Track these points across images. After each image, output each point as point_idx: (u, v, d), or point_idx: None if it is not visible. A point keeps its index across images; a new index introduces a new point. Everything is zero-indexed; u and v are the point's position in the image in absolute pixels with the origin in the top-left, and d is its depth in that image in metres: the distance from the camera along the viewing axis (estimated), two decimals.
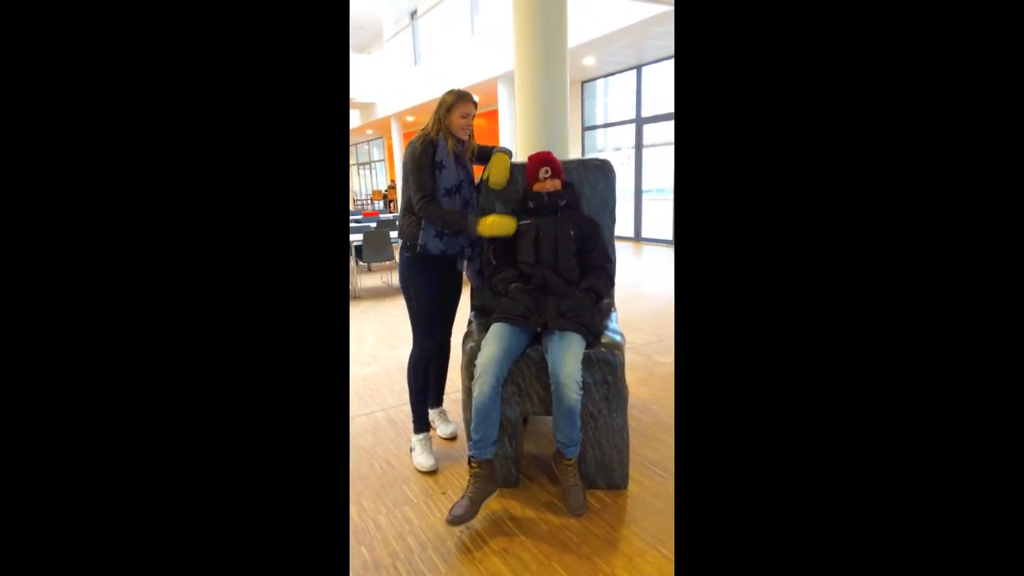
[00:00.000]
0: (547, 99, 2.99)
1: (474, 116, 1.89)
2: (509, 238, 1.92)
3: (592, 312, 1.77)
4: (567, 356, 1.60)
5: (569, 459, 1.70)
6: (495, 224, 1.82)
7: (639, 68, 7.78)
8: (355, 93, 11.69)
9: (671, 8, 5.16)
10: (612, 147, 8.87)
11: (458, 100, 1.86)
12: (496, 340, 1.67)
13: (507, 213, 2.02)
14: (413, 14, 11.12)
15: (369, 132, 16.09)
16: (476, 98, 1.89)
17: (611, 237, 2.11)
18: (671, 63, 7.23)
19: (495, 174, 2.00)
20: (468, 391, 1.76)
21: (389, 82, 11.57)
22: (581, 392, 1.58)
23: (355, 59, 11.91)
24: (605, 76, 8.54)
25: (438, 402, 2.26)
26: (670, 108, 7.35)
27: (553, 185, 1.92)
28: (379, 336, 3.77)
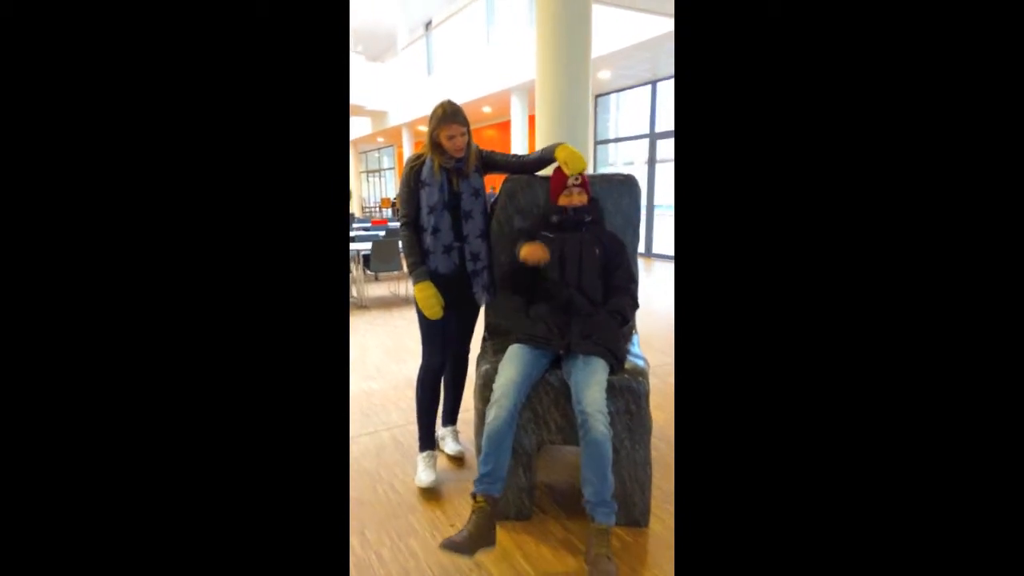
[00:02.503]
0: (570, 110, 2.92)
1: (464, 135, 1.78)
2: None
3: (618, 336, 1.66)
4: (592, 384, 1.49)
5: (601, 524, 1.42)
6: (423, 300, 1.81)
7: (654, 83, 7.73)
8: (367, 101, 11.71)
9: None
10: (623, 161, 8.81)
11: (441, 122, 1.75)
12: (514, 363, 1.57)
13: (524, 230, 1.92)
14: (428, 24, 11.17)
15: (380, 140, 16.12)
16: (464, 116, 1.79)
17: (635, 256, 2.01)
18: None
19: (571, 161, 1.80)
20: (481, 415, 1.65)
21: (402, 91, 11.59)
22: (609, 426, 1.46)
23: (368, 67, 11.94)
24: (618, 91, 8.50)
25: (451, 420, 2.16)
26: None
27: (580, 199, 1.83)
28: (385, 349, 3.67)
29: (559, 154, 1.82)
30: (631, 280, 1.83)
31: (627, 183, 2.00)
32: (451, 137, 1.75)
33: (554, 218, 1.83)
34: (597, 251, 1.78)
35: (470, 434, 2.24)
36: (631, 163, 8.57)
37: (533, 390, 1.61)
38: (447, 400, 2.10)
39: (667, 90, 7.62)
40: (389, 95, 11.96)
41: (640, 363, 1.72)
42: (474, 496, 1.50)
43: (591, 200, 1.88)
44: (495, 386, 1.53)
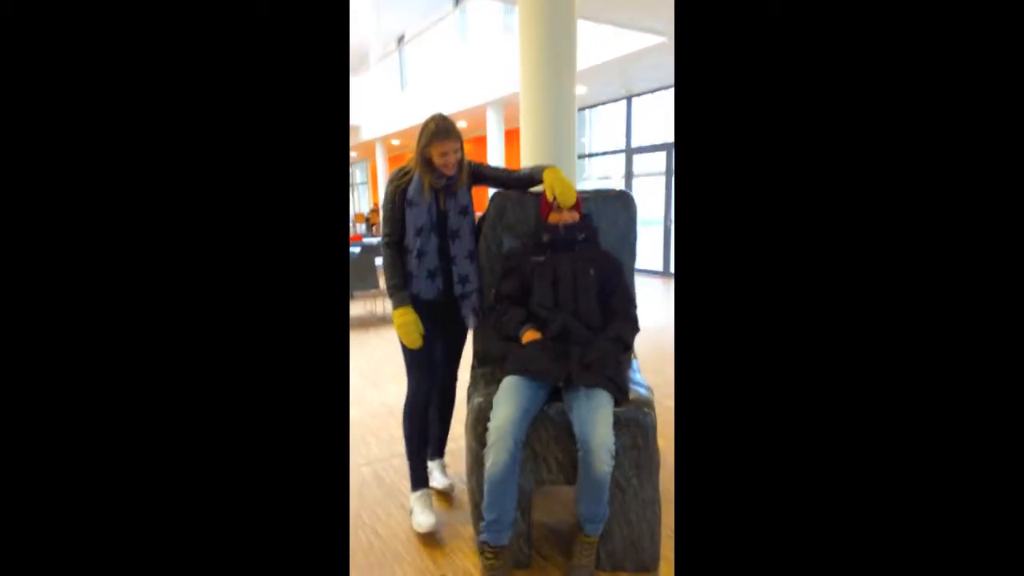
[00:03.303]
0: (555, 123, 2.82)
1: (458, 152, 1.65)
2: (521, 277, 1.69)
3: (620, 364, 1.54)
4: (598, 420, 1.37)
5: (589, 536, 1.46)
6: (401, 328, 1.67)
7: (629, 99, 7.78)
8: None
9: (665, 40, 5.12)
10: (598, 176, 8.83)
11: (434, 139, 1.61)
12: (511, 398, 1.43)
13: (513, 253, 1.80)
14: (400, 39, 11.08)
15: (353, 155, 15.89)
16: (458, 131, 1.66)
17: (632, 276, 1.91)
18: (661, 94, 7.24)
19: (561, 194, 1.67)
20: (475, 455, 1.50)
21: (375, 106, 11.44)
22: (613, 462, 1.34)
23: None
24: (592, 107, 8.53)
25: (439, 453, 2.00)
26: (659, 139, 7.34)
27: (571, 217, 1.72)
28: (363, 373, 3.48)
29: (547, 176, 1.70)
30: (630, 302, 1.72)
31: (622, 199, 1.90)
32: (444, 154, 1.62)
33: (544, 237, 1.72)
34: (592, 272, 1.67)
35: (458, 467, 2.08)
36: (607, 177, 8.59)
37: (532, 426, 1.48)
38: (433, 432, 1.94)
39: (642, 106, 7.68)
40: (362, 110, 11.80)
41: (644, 392, 1.60)
42: (482, 550, 1.36)
43: (583, 217, 1.77)
44: (491, 426, 1.39)
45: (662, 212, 7.21)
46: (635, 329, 1.68)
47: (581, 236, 1.72)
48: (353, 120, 11.93)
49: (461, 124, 9.93)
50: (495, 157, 8.16)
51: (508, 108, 8.02)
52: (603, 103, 8.30)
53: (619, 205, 1.90)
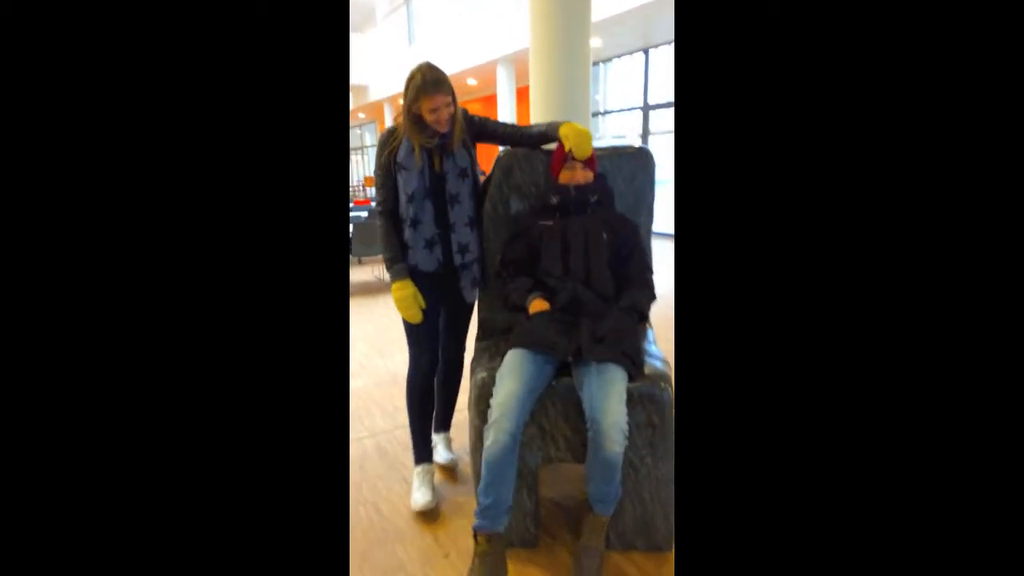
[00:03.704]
0: (568, 80, 2.63)
1: (450, 107, 1.47)
2: (529, 243, 1.56)
3: (635, 336, 1.42)
4: (610, 397, 1.26)
5: (599, 515, 1.37)
6: (400, 302, 1.56)
7: (646, 51, 7.39)
8: None
9: None
10: (614, 135, 8.51)
11: (421, 92, 1.42)
12: (515, 374, 1.32)
13: (520, 216, 1.67)
14: None
15: (361, 116, 15.56)
16: (449, 82, 1.47)
17: (649, 240, 1.77)
18: None
19: (576, 144, 1.51)
20: (478, 432, 1.42)
21: (382, 64, 11.08)
22: (626, 442, 1.24)
23: None
24: (606, 60, 8.13)
25: (444, 426, 1.92)
26: None
27: (584, 176, 1.57)
28: (369, 340, 3.41)
29: (564, 130, 1.54)
30: (646, 269, 1.59)
31: (639, 157, 1.74)
32: (434, 110, 1.45)
33: (554, 199, 1.57)
34: (605, 236, 1.53)
35: (463, 440, 2.01)
36: (623, 136, 8.27)
37: (538, 403, 1.38)
38: (439, 406, 1.86)
39: (660, 58, 7.29)
40: (369, 68, 11.43)
41: (660, 366, 1.49)
42: (475, 535, 1.28)
43: (597, 177, 1.62)
44: (493, 402, 1.29)
45: None
46: (652, 297, 1.55)
47: (594, 198, 1.57)
48: (361, 80, 11.58)
49: (471, 81, 9.59)
50: (506, 116, 7.88)
51: (519, 65, 7.68)
52: (619, 56, 7.90)
53: (637, 163, 1.74)
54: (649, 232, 1.77)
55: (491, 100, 9.75)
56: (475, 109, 10.87)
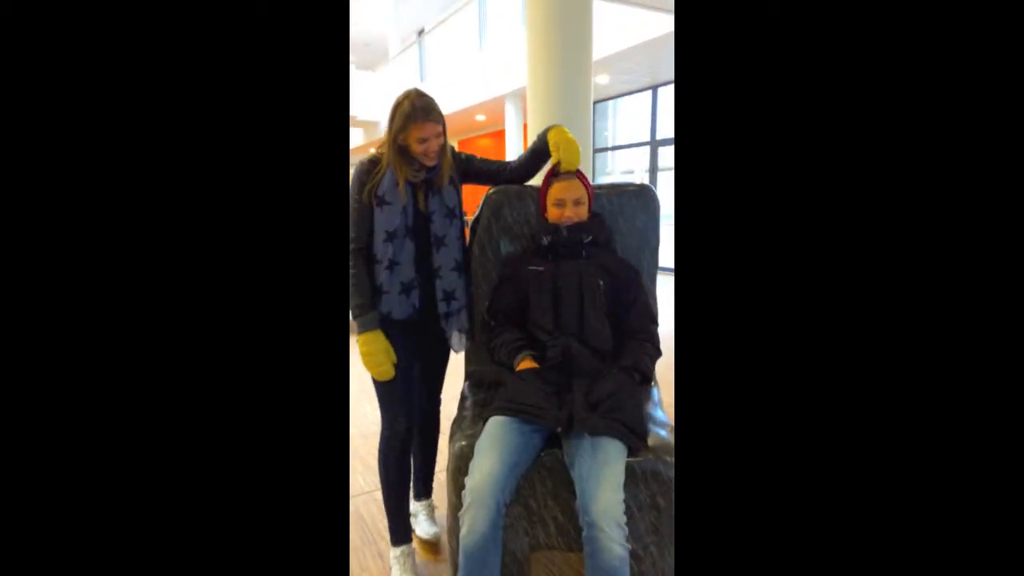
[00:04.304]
0: (568, 117, 2.51)
1: (440, 137, 1.33)
2: (517, 290, 1.40)
3: (637, 402, 1.23)
4: (604, 480, 1.06)
5: None
6: (367, 357, 1.39)
7: (655, 88, 7.39)
8: (359, 111, 11.34)
9: None
10: (622, 170, 8.45)
11: (410, 120, 1.29)
12: (496, 447, 1.14)
13: (514, 255, 1.51)
14: (420, 32, 10.87)
15: (372, 151, 15.78)
16: (439, 111, 1.34)
17: (653, 288, 1.59)
18: None
19: (565, 151, 1.40)
20: (455, 511, 1.22)
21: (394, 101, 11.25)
22: (627, 544, 1.03)
23: (360, 76, 11.60)
24: (614, 97, 8.14)
25: (425, 492, 1.72)
26: None
27: (576, 214, 1.40)
28: (358, 381, 3.22)
29: (553, 136, 1.40)
30: (650, 320, 1.41)
31: (642, 195, 1.59)
32: (423, 140, 1.31)
33: (544, 240, 1.41)
34: (602, 283, 1.36)
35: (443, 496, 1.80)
36: (631, 172, 8.21)
37: (524, 478, 1.18)
38: (416, 468, 1.67)
39: (668, 95, 7.27)
40: (382, 105, 11.61)
41: (666, 435, 1.29)
42: None
43: (593, 216, 1.45)
44: (469, 483, 1.10)
45: None
46: (657, 354, 1.37)
47: (588, 238, 1.40)
48: (373, 116, 11.74)
49: (479, 117, 9.66)
50: (513, 151, 7.88)
51: (527, 100, 7.72)
52: (628, 93, 7.91)
53: (638, 202, 1.58)
54: (653, 279, 1.60)
55: (500, 135, 9.79)
56: (484, 144, 10.97)
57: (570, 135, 1.41)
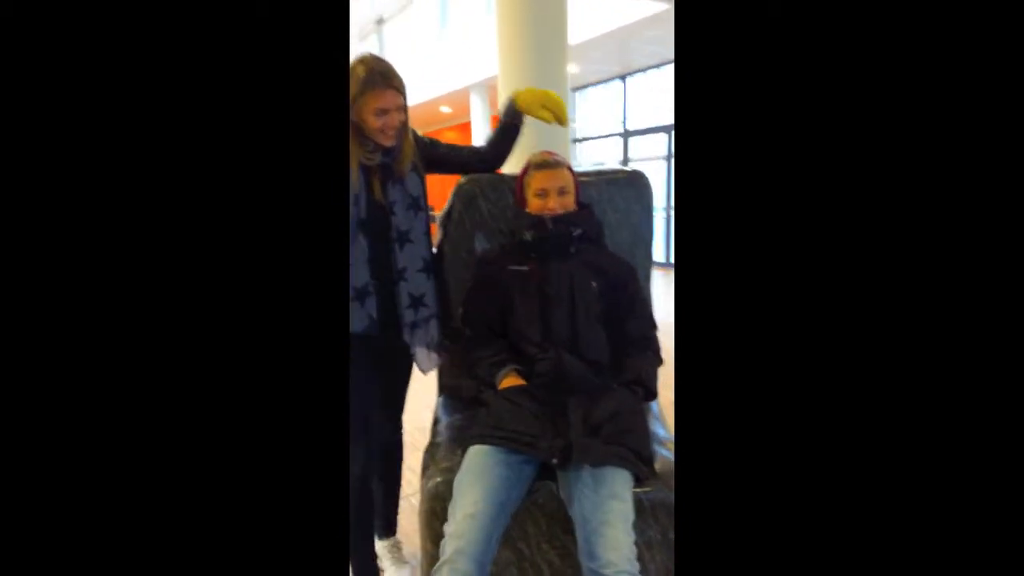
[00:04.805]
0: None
1: (401, 111, 1.12)
2: (497, 294, 1.21)
3: (643, 423, 1.06)
4: (611, 519, 0.88)
5: None
6: None
7: (624, 77, 7.27)
8: None
9: (667, 6, 4.61)
10: (592, 163, 8.35)
11: (366, 88, 1.08)
12: (479, 485, 0.94)
13: (492, 253, 1.31)
14: (379, 21, 10.49)
15: None
16: (400, 79, 1.13)
17: (648, 285, 1.42)
18: (661, 71, 6.72)
19: (556, 107, 1.28)
20: (432, 560, 1.02)
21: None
22: None
23: None
24: (583, 87, 8.01)
25: (388, 530, 1.51)
26: (658, 120, 6.85)
27: (561, 204, 1.21)
28: None
29: (521, 101, 1.25)
30: (650, 325, 1.24)
31: (634, 182, 1.41)
32: (383, 111, 1.09)
33: (527, 235, 1.21)
34: (595, 285, 1.18)
35: (417, 541, 1.60)
36: (601, 164, 8.11)
37: (513, 519, 1.00)
38: (378, 504, 1.45)
39: (638, 85, 7.17)
40: None
41: (666, 454, 1.13)
42: None
43: (581, 207, 1.27)
44: (448, 529, 0.91)
45: (663, 199, 6.73)
46: (658, 362, 1.20)
47: (577, 232, 1.22)
48: None
49: (444, 109, 9.40)
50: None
51: (494, 92, 7.48)
52: (597, 83, 7.77)
53: (631, 191, 1.41)
54: (649, 277, 1.43)
55: (465, 128, 9.55)
56: (451, 137, 10.69)
57: (538, 91, 1.27)
